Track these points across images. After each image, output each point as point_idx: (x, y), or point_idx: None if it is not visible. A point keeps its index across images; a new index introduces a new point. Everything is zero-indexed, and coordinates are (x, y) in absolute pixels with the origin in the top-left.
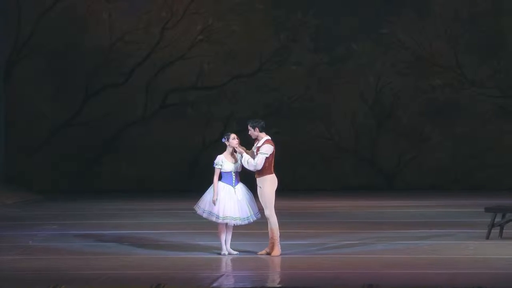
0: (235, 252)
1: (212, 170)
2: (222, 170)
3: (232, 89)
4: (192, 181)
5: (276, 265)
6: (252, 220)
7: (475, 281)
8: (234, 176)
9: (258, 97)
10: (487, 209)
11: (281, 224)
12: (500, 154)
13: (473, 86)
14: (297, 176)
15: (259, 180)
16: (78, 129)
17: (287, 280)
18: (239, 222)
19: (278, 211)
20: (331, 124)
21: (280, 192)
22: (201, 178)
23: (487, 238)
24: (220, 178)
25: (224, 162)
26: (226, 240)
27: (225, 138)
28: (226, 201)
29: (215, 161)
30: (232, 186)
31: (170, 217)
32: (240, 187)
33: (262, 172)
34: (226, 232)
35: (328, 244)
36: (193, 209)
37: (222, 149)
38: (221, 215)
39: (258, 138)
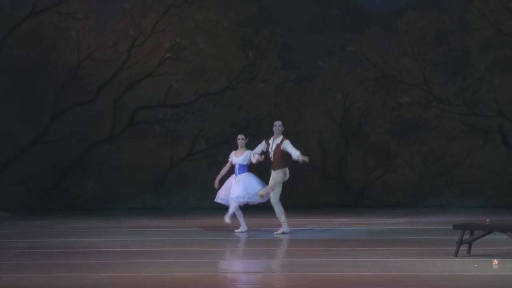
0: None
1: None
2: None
3: (200, 106)
4: (159, 199)
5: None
6: (250, 198)
7: None
8: (237, 169)
9: (226, 115)
10: (456, 227)
11: (250, 242)
12: (467, 172)
13: (440, 103)
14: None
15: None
16: (45, 147)
17: None
18: (229, 203)
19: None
20: (299, 142)
21: (249, 209)
22: (168, 196)
23: (456, 255)
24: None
25: (232, 156)
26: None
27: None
28: (224, 187)
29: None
30: (235, 175)
31: (138, 235)
32: (242, 176)
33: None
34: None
35: (295, 262)
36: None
37: (188, 166)
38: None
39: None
